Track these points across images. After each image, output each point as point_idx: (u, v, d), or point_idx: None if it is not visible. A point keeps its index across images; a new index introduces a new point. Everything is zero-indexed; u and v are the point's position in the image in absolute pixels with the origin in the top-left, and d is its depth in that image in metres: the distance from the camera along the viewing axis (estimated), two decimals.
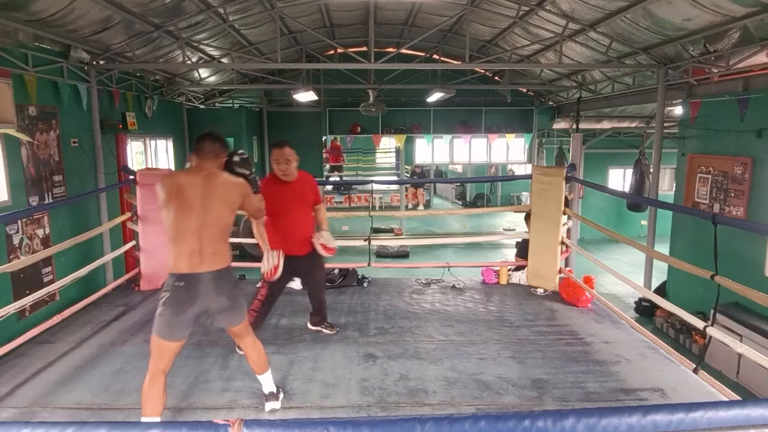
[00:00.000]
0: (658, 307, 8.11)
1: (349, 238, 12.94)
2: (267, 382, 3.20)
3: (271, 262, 3.63)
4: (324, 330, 4.44)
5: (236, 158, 3.16)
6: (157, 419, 2.76)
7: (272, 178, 3.91)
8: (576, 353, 4.05)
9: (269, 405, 3.20)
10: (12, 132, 5.30)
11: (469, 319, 4.80)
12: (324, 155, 15.80)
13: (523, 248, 6.12)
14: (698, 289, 6.72)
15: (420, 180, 19.16)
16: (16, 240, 5.48)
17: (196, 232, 2.78)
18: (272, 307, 4.19)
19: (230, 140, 12.50)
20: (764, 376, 5.73)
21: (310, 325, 4.47)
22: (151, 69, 8.99)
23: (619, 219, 13.70)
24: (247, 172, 3.16)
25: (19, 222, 5.52)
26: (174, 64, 9.03)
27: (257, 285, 4.13)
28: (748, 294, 3.07)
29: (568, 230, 5.91)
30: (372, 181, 7.96)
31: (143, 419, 2.75)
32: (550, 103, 14.24)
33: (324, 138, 15.00)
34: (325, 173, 16.17)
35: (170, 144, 10.70)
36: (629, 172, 11.57)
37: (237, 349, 3.87)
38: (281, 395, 3.31)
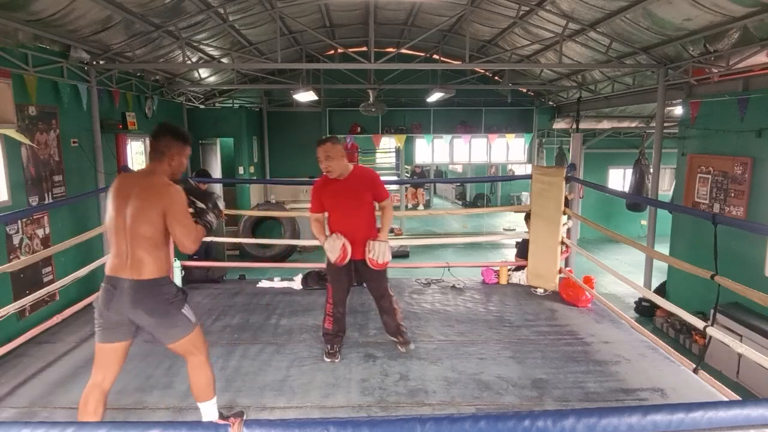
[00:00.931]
0: (658, 307, 8.11)
1: None
2: (207, 411, 2.80)
3: (336, 247, 3.62)
4: (396, 342, 4.04)
5: (187, 185, 2.86)
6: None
7: (325, 178, 3.79)
8: (576, 353, 4.05)
9: None
10: (12, 134, 5.29)
11: (469, 319, 4.80)
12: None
13: (523, 248, 6.12)
14: (698, 289, 6.72)
15: (420, 180, 19.16)
16: (16, 240, 5.47)
17: (124, 236, 2.58)
18: (345, 307, 4.01)
19: (230, 140, 12.52)
20: (764, 376, 5.73)
21: (387, 334, 4.13)
22: (151, 69, 8.98)
23: (617, 219, 13.69)
24: (202, 203, 2.81)
25: (19, 222, 5.51)
26: (174, 64, 9.03)
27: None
28: (748, 294, 3.07)
29: (568, 230, 5.91)
30: None
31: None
32: (550, 103, 14.24)
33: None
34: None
35: None
36: (629, 172, 11.57)
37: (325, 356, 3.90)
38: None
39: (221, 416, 2.87)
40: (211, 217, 2.82)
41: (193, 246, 2.64)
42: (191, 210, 2.74)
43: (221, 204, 2.95)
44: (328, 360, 3.88)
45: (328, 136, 4.12)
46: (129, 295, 2.56)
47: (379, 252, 3.67)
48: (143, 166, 3.57)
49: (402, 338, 4.02)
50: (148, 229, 2.55)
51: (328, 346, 3.96)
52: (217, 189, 12.04)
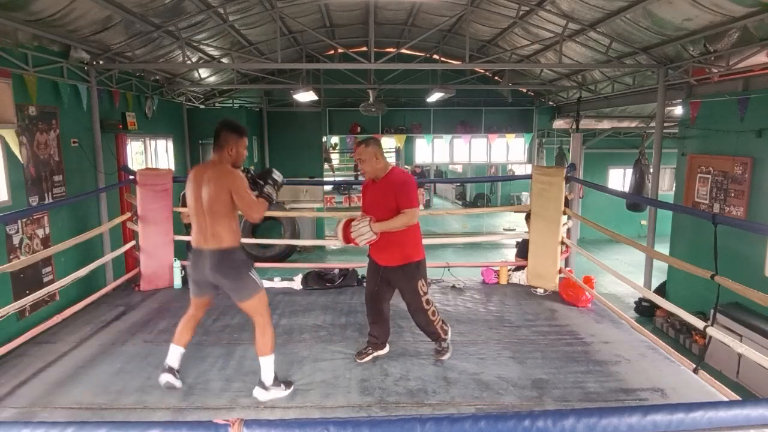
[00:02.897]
0: (658, 307, 8.11)
1: None
2: (264, 367, 3.29)
3: (361, 227, 3.54)
4: (436, 351, 3.92)
5: (248, 172, 3.33)
6: (179, 348, 3.39)
7: (368, 179, 3.78)
8: (576, 353, 4.05)
9: (255, 390, 3.31)
10: (8, 137, 5.29)
11: (469, 319, 4.80)
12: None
13: (523, 248, 6.12)
14: (698, 289, 6.72)
15: (420, 180, 19.15)
16: (16, 240, 5.47)
17: (203, 216, 3.15)
18: (374, 312, 3.91)
19: None
20: (764, 376, 5.73)
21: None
22: (151, 69, 8.98)
23: (618, 219, 13.70)
24: (259, 179, 3.31)
25: (19, 222, 5.51)
26: (174, 64, 9.03)
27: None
28: (748, 294, 3.07)
29: (568, 230, 5.90)
30: None
31: (173, 345, 3.38)
32: (550, 103, 14.24)
33: (324, 138, 15.01)
34: (326, 173, 16.27)
35: (170, 144, 10.69)
36: (629, 172, 11.57)
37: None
38: (272, 390, 3.31)
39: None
40: (269, 189, 3.31)
41: (257, 216, 3.19)
42: (254, 191, 3.25)
43: (278, 176, 3.40)
44: (356, 360, 3.89)
45: (366, 137, 4.07)
46: (210, 262, 3.16)
47: (358, 228, 3.57)
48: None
49: (439, 349, 3.91)
50: (220, 208, 3.10)
51: (363, 346, 4.00)
52: None
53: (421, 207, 18.16)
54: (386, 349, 3.99)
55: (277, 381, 3.35)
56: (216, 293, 3.45)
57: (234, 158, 3.22)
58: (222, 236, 3.14)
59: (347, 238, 3.62)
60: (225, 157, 3.19)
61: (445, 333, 3.90)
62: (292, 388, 3.42)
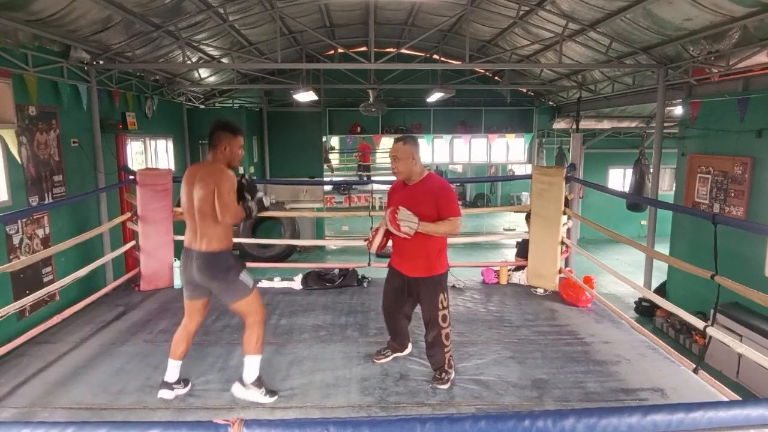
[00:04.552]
0: (658, 307, 8.10)
1: (349, 238, 12.95)
2: (247, 366, 3.27)
3: (372, 233, 3.45)
4: (433, 378, 3.58)
5: (243, 180, 3.27)
6: (176, 362, 3.33)
7: (401, 181, 3.57)
8: (576, 353, 4.05)
9: (234, 386, 3.33)
10: (7, 138, 5.29)
11: (469, 319, 4.80)
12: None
13: (523, 248, 6.12)
14: (698, 289, 6.72)
15: None
16: (16, 240, 5.47)
17: (193, 216, 3.14)
18: (389, 326, 3.83)
19: None
20: (764, 376, 5.73)
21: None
22: (151, 69, 8.98)
23: (618, 219, 13.70)
24: (246, 192, 3.24)
25: (19, 222, 5.51)
26: (174, 64, 9.03)
27: None
28: (748, 294, 3.07)
29: (568, 230, 5.91)
30: (372, 181, 7.96)
31: (169, 359, 3.33)
32: (550, 103, 14.23)
33: (324, 138, 15.01)
34: (326, 173, 16.27)
35: (170, 144, 10.69)
36: (629, 172, 11.56)
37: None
38: (251, 390, 3.28)
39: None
40: (251, 205, 3.26)
41: (230, 220, 3.10)
42: (239, 200, 3.19)
43: (267, 200, 3.37)
44: (373, 360, 3.87)
45: (405, 135, 3.84)
46: (197, 263, 3.13)
47: (403, 214, 3.31)
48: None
49: (438, 377, 3.56)
50: (209, 209, 3.06)
51: (382, 346, 3.96)
52: None
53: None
54: (408, 350, 3.96)
55: (260, 383, 3.31)
56: (211, 297, 3.38)
57: (228, 158, 3.17)
58: (211, 237, 3.11)
59: (396, 224, 3.33)
60: (219, 157, 3.15)
61: (450, 366, 3.58)
62: (275, 397, 3.34)
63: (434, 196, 3.38)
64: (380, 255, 3.87)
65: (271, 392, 3.36)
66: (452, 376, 3.60)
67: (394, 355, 3.89)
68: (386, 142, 15.98)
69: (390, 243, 3.63)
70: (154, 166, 9.54)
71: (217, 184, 3.03)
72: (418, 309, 3.71)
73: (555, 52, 8.73)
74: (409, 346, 3.98)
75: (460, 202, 19.76)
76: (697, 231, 7.59)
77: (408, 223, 3.29)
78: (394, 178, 3.70)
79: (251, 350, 3.25)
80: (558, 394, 3.43)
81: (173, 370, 3.35)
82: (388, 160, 3.61)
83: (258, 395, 3.30)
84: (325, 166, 17.33)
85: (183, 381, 3.44)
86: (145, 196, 5.54)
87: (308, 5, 8.84)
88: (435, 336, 3.52)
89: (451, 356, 3.58)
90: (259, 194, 3.34)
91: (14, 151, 5.36)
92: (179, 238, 5.74)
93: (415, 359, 3.92)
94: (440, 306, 3.49)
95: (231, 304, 3.25)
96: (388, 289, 3.72)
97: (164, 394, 3.32)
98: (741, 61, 6.45)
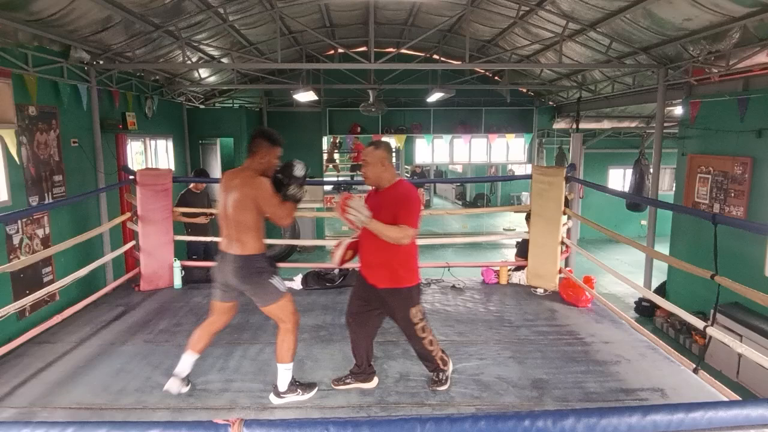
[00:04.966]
0: (658, 307, 8.11)
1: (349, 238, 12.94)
2: (280, 375, 3.29)
3: (360, 204, 3.15)
4: (431, 383, 3.49)
5: (280, 163, 3.28)
6: (194, 356, 3.36)
7: (374, 189, 3.41)
8: (576, 353, 4.05)
9: (271, 396, 3.33)
10: (6, 137, 5.29)
11: (469, 319, 4.79)
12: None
13: (523, 248, 6.12)
14: (698, 289, 6.72)
15: (420, 180, 19.17)
16: (16, 240, 5.47)
17: (227, 221, 3.24)
18: (351, 335, 3.56)
19: (230, 140, 12.52)
20: (764, 376, 5.73)
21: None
22: (151, 69, 8.98)
23: (618, 219, 13.71)
24: (281, 176, 3.24)
25: (19, 222, 5.51)
26: (174, 64, 9.03)
27: None
28: (748, 294, 3.07)
29: (568, 230, 5.90)
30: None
31: (188, 352, 3.36)
32: (550, 103, 14.24)
33: (324, 138, 15.01)
34: (330, 173, 16.38)
35: (170, 144, 10.70)
36: (629, 172, 11.57)
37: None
38: (288, 397, 3.30)
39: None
40: (293, 190, 3.25)
41: (287, 220, 3.22)
42: (279, 191, 3.21)
43: (300, 170, 3.28)
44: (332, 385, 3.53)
45: (379, 141, 3.66)
46: (231, 266, 3.21)
47: (353, 204, 3.13)
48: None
49: (436, 379, 3.48)
50: (243, 216, 3.15)
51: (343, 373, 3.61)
52: (217, 189, 12.03)
53: (422, 207, 18.13)
54: (373, 383, 3.52)
55: (294, 387, 3.33)
56: (241, 299, 3.42)
57: (265, 166, 3.24)
58: (245, 242, 3.17)
59: (343, 208, 3.16)
60: (255, 165, 3.23)
61: (445, 363, 3.48)
62: (314, 390, 3.38)
63: (396, 202, 3.20)
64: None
65: (307, 387, 3.39)
66: (449, 372, 3.52)
67: (356, 384, 3.50)
68: None
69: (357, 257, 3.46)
70: (154, 166, 9.55)
71: (258, 195, 3.11)
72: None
73: (555, 52, 8.73)
74: (375, 379, 3.55)
75: (459, 202, 19.54)
76: (697, 231, 7.59)
77: (356, 213, 3.11)
78: None
79: (283, 358, 3.27)
80: (558, 394, 3.43)
81: (189, 363, 3.36)
82: None
83: (294, 398, 3.32)
84: (330, 166, 17.34)
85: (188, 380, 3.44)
86: (145, 196, 5.53)
87: (308, 5, 8.84)
88: (419, 348, 3.43)
89: (442, 353, 3.48)
90: (295, 170, 3.27)
91: (12, 150, 5.37)
92: (179, 238, 5.76)
93: (415, 360, 3.91)
94: (414, 320, 3.32)
95: (263, 308, 3.29)
96: (354, 295, 3.52)
97: (173, 386, 3.32)
98: (741, 61, 6.45)
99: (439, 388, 3.46)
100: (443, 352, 3.53)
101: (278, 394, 3.31)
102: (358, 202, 3.16)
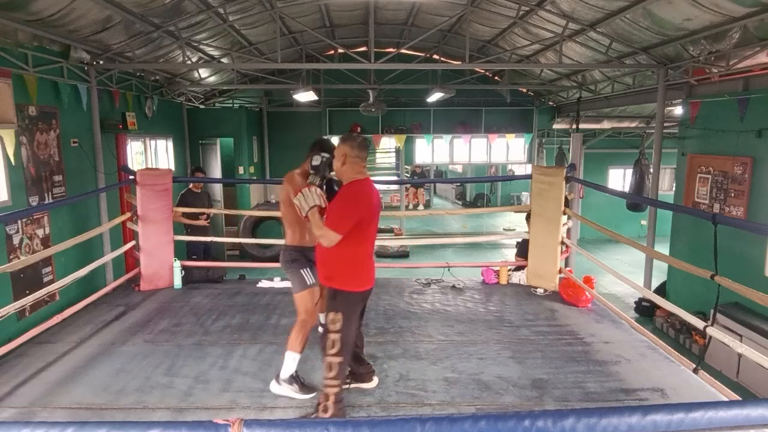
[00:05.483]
0: (658, 307, 8.10)
1: None
2: (285, 362, 3.40)
3: (312, 193, 3.08)
4: (318, 402, 3.10)
5: (315, 159, 3.39)
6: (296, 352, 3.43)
7: None
8: (576, 353, 4.05)
9: (272, 383, 3.44)
10: (5, 137, 5.29)
11: (469, 319, 4.80)
12: None
13: (523, 248, 6.12)
14: (698, 289, 6.72)
15: (420, 180, 19.16)
16: (16, 240, 5.47)
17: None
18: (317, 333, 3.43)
19: (230, 140, 12.52)
20: (764, 376, 5.73)
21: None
22: (151, 69, 8.98)
23: (618, 219, 13.71)
24: (313, 173, 3.39)
25: (19, 222, 5.51)
26: (174, 64, 9.03)
27: None
28: (748, 294, 3.07)
29: (568, 230, 5.91)
30: (372, 182, 7.93)
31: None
32: (550, 103, 14.24)
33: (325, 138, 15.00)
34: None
35: (170, 144, 10.69)
36: (629, 172, 11.56)
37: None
38: (284, 386, 3.35)
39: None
40: (311, 179, 3.35)
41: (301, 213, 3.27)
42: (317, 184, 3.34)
43: (317, 160, 3.36)
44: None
45: (351, 134, 3.52)
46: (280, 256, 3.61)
47: (307, 192, 3.06)
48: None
49: (319, 401, 3.06)
50: (283, 209, 3.54)
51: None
52: (217, 189, 12.05)
53: (421, 207, 18.17)
54: (373, 383, 3.47)
55: (292, 380, 3.38)
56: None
57: (306, 167, 3.50)
58: (287, 234, 3.58)
59: (295, 193, 3.15)
60: (304, 168, 3.50)
61: (326, 410, 2.95)
62: (311, 394, 3.34)
63: (333, 202, 3.09)
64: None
65: (306, 388, 3.40)
66: (330, 404, 2.95)
67: (355, 384, 3.44)
68: (386, 143, 16.00)
69: None
70: (154, 166, 9.55)
71: (287, 194, 3.40)
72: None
73: (555, 52, 8.73)
74: (375, 379, 3.49)
75: (459, 202, 19.52)
76: (697, 231, 7.59)
77: (303, 200, 3.04)
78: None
79: (292, 346, 3.40)
80: (558, 394, 3.43)
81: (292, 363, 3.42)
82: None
83: (290, 391, 3.37)
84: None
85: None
86: (145, 196, 5.54)
87: (308, 5, 8.84)
88: (323, 360, 3.02)
89: (336, 395, 2.97)
90: (313, 161, 3.39)
91: (10, 152, 5.36)
92: (179, 238, 5.76)
93: (414, 360, 3.92)
94: (329, 326, 3.00)
95: (293, 294, 3.54)
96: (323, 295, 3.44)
97: (286, 391, 3.39)
98: (741, 61, 6.45)
99: (318, 414, 2.98)
100: (337, 396, 3.00)
101: (277, 380, 3.40)
102: (311, 192, 3.07)
